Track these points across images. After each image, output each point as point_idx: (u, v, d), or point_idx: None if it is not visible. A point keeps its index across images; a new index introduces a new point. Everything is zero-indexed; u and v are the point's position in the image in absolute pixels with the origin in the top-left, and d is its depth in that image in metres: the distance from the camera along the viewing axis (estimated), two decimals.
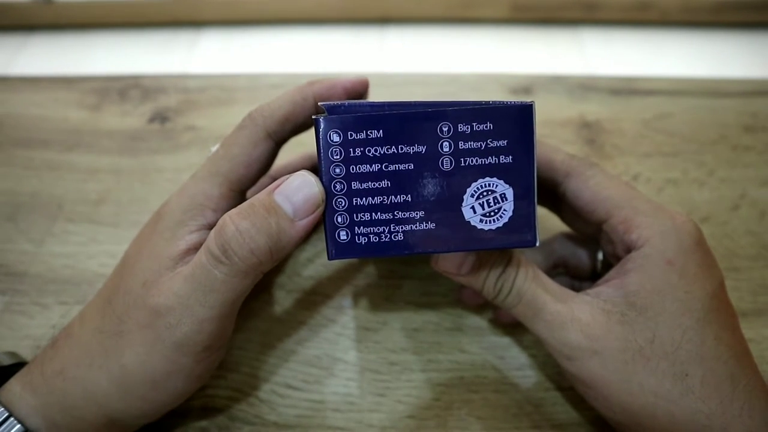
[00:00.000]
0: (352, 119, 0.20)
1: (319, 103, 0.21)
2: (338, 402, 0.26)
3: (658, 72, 0.49)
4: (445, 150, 0.20)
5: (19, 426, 0.21)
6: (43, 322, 0.29)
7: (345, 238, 0.20)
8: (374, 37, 0.56)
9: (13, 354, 0.25)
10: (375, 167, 0.20)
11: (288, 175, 0.20)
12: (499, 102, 0.20)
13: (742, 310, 0.29)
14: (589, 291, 0.23)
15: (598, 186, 0.24)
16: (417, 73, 0.45)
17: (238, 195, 0.24)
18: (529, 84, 0.41)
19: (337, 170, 0.20)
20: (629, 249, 0.23)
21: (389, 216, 0.20)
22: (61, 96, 0.41)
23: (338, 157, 0.20)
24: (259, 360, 0.28)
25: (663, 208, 0.23)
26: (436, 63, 0.53)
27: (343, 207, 0.20)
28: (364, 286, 0.30)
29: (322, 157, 0.20)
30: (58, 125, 0.39)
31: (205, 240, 0.22)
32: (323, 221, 0.20)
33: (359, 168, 0.20)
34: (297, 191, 0.19)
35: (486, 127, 0.20)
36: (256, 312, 0.29)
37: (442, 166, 0.20)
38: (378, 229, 0.20)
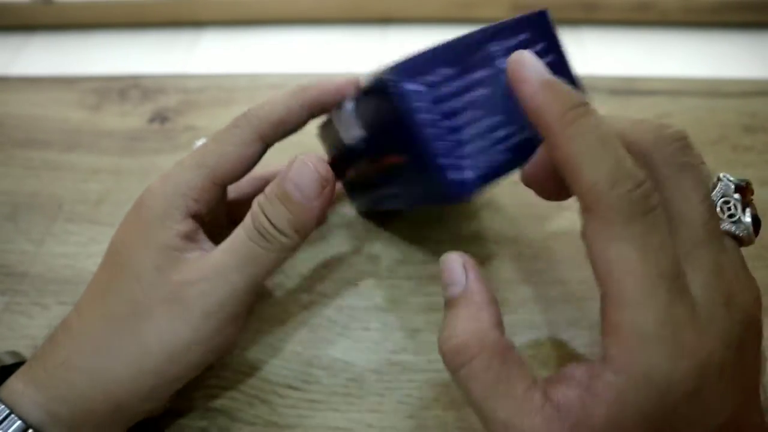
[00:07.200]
0: (419, 65, 0.20)
1: (388, 64, 0.21)
2: (338, 402, 0.26)
3: (658, 72, 0.49)
4: (504, 66, 0.21)
5: (19, 423, 0.20)
6: (43, 322, 0.29)
7: (457, 176, 0.21)
8: (375, 37, 0.56)
9: (14, 353, 0.25)
10: (458, 102, 0.21)
11: (295, 158, 0.22)
12: (518, 17, 0.22)
13: None
14: (550, 391, 0.17)
15: (605, 251, 0.17)
16: None
17: (220, 188, 0.24)
18: None
19: (427, 117, 0.20)
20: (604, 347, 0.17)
21: (490, 141, 0.21)
22: (61, 96, 0.41)
23: (422, 103, 0.20)
24: (260, 360, 0.28)
25: (675, 326, 0.16)
26: None
27: (446, 148, 0.21)
28: (365, 286, 0.30)
29: (411, 110, 0.20)
30: (58, 125, 0.39)
31: (191, 229, 0.23)
32: (431, 170, 0.21)
33: (444, 107, 0.21)
34: (300, 177, 0.21)
35: (525, 36, 0.22)
36: (257, 312, 0.29)
37: None
38: (487, 156, 0.21)
